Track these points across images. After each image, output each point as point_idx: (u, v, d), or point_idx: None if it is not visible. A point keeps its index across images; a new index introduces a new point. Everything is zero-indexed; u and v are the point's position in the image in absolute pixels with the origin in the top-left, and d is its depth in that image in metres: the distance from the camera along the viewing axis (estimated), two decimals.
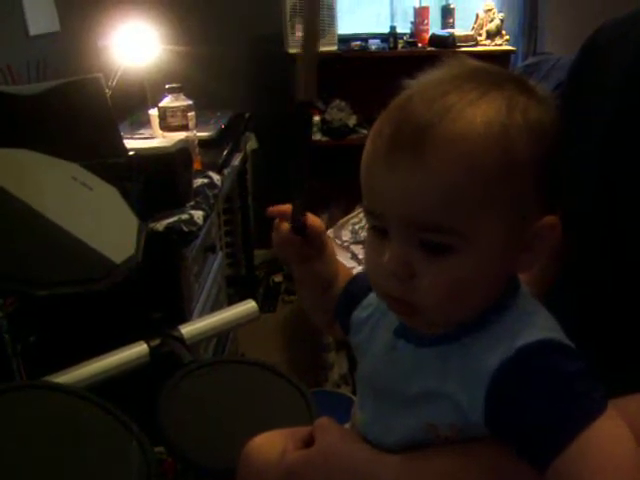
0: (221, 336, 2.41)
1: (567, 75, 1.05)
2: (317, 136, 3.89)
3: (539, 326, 0.69)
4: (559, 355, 0.66)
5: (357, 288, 0.90)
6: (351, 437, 0.81)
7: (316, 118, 3.87)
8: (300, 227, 0.88)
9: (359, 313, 0.87)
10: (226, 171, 2.67)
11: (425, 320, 0.71)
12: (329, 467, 0.78)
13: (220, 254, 2.62)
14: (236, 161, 3.00)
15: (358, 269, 3.00)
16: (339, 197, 4.05)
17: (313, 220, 0.90)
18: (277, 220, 0.91)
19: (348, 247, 3.25)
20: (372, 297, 0.86)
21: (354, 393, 2.86)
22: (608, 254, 0.87)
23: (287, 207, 0.89)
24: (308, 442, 0.84)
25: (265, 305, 3.73)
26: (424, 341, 0.74)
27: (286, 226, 0.89)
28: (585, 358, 0.66)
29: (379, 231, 0.71)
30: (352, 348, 0.89)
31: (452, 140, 0.64)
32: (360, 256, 3.12)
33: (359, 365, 0.86)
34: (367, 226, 0.73)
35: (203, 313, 2.14)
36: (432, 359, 0.72)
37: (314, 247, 0.91)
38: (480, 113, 0.65)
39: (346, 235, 3.38)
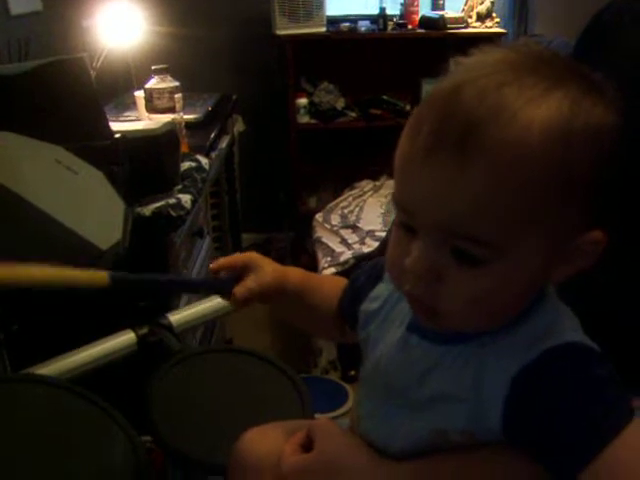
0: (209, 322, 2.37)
1: (574, 51, 1.02)
2: (305, 118, 3.85)
3: (565, 328, 0.66)
4: (586, 359, 0.63)
5: (362, 282, 0.87)
6: (353, 442, 0.78)
7: (304, 100, 3.84)
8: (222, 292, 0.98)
9: (367, 305, 0.84)
10: (214, 154, 2.63)
11: (444, 324, 0.67)
12: (330, 474, 0.75)
13: (207, 238, 2.58)
14: (223, 144, 2.96)
15: (347, 254, 2.97)
16: (328, 180, 4.02)
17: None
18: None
19: (337, 231, 3.22)
20: (381, 288, 0.83)
21: (343, 379, 2.85)
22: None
23: None
24: (306, 445, 0.81)
25: None
26: (440, 338, 0.70)
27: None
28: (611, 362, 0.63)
29: (407, 228, 0.65)
30: (360, 342, 0.85)
31: (504, 145, 0.58)
32: (350, 241, 3.09)
33: (365, 360, 0.83)
34: (395, 219, 0.68)
35: (191, 300, 2.10)
36: (448, 358, 0.69)
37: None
38: (540, 116, 0.58)
39: (335, 219, 3.35)
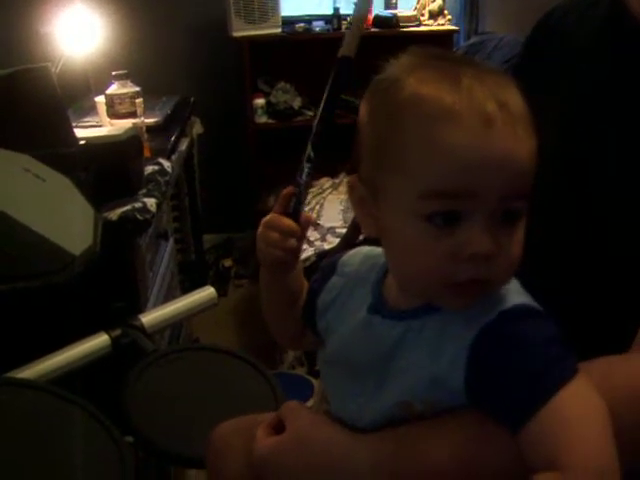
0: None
1: (523, 48, 1.11)
2: (263, 119, 3.89)
3: (514, 292, 0.72)
4: (535, 319, 0.70)
5: (318, 281, 0.90)
6: (323, 420, 0.81)
7: (261, 101, 3.87)
8: (298, 211, 0.87)
9: (324, 296, 0.88)
10: (174, 157, 2.65)
11: (487, 292, 0.71)
12: (303, 452, 0.79)
13: (171, 240, 2.61)
14: (183, 146, 2.98)
15: (309, 251, 3.01)
16: (286, 179, 4.05)
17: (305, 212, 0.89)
18: (268, 215, 0.88)
19: (313, 225, 3.26)
20: (335, 280, 0.87)
21: (309, 374, 2.89)
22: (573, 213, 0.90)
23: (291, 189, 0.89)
24: (277, 427, 0.84)
25: (216, 289, 3.71)
26: (403, 315, 0.76)
27: (281, 216, 0.88)
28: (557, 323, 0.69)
29: (447, 218, 0.68)
30: (319, 333, 0.89)
31: (523, 116, 0.69)
32: (311, 238, 3.13)
33: (326, 346, 0.87)
34: (414, 216, 0.69)
35: (157, 301, 2.13)
36: (411, 331, 0.74)
37: (300, 245, 0.89)
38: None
39: None
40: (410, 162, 0.69)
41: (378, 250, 0.84)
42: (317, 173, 3.85)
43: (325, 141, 0.89)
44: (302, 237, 0.89)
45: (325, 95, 0.92)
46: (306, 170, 0.90)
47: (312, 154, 0.90)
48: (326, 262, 0.92)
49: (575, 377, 0.66)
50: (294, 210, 0.88)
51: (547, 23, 1.07)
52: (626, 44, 0.91)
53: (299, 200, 0.89)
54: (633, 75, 0.88)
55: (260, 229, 0.88)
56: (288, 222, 0.87)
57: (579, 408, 0.65)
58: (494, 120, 0.66)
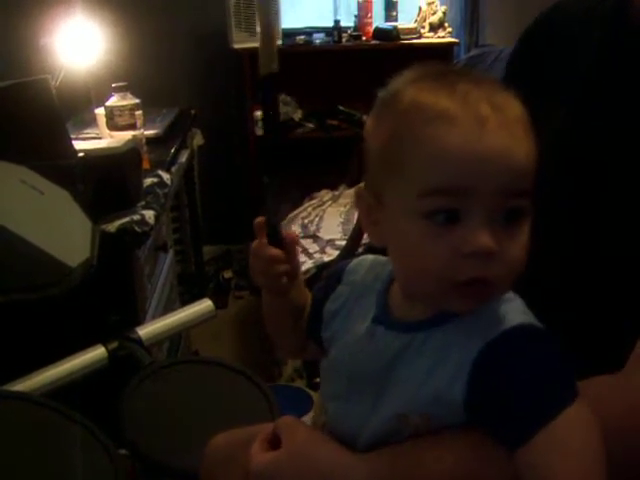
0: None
1: (518, 42, 1.11)
2: (262, 130, 3.89)
3: (518, 311, 0.72)
4: (542, 340, 0.70)
5: (322, 291, 0.90)
6: (319, 437, 0.81)
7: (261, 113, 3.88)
8: (277, 235, 0.87)
9: (330, 306, 0.88)
10: (174, 168, 2.65)
11: (491, 298, 0.72)
12: (300, 469, 0.78)
13: (170, 252, 2.61)
14: (183, 158, 2.98)
15: (309, 263, 3.01)
16: (287, 191, 4.06)
17: (287, 231, 0.89)
18: (254, 243, 0.89)
19: (298, 242, 3.25)
20: (341, 289, 0.87)
21: (308, 386, 2.87)
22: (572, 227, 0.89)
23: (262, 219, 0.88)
24: (273, 442, 0.83)
25: (216, 301, 3.70)
26: (407, 326, 0.76)
27: (265, 244, 0.88)
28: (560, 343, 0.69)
29: (448, 216, 0.69)
30: (322, 343, 0.89)
31: (520, 119, 0.71)
32: (311, 250, 3.13)
33: (329, 355, 0.86)
34: (415, 216, 0.70)
35: (156, 313, 2.13)
36: (414, 344, 0.74)
37: (293, 265, 0.89)
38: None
39: (296, 229, 3.39)
40: (409, 163, 0.71)
41: (383, 259, 0.84)
42: (317, 185, 3.86)
43: (271, 162, 0.89)
44: (291, 259, 0.89)
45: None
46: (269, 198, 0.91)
47: (267, 180, 0.90)
48: (331, 271, 0.92)
49: (575, 402, 0.66)
50: (272, 237, 0.88)
51: (548, 18, 1.07)
52: (631, 42, 0.90)
53: (274, 227, 0.89)
54: (637, 74, 0.88)
55: (250, 257, 0.89)
56: (271, 251, 0.87)
57: (575, 433, 0.65)
58: (488, 120, 0.68)
